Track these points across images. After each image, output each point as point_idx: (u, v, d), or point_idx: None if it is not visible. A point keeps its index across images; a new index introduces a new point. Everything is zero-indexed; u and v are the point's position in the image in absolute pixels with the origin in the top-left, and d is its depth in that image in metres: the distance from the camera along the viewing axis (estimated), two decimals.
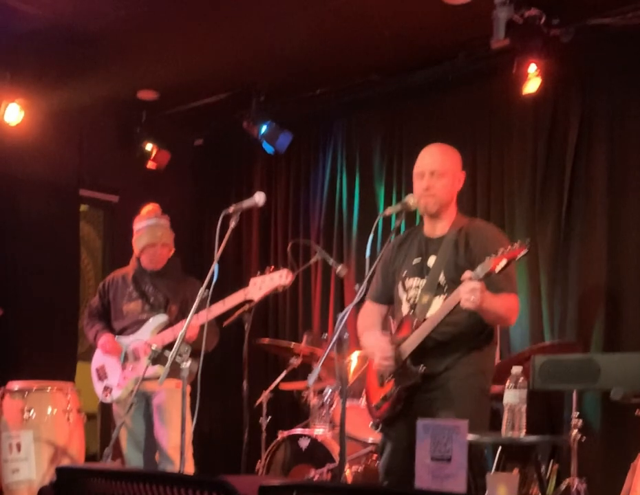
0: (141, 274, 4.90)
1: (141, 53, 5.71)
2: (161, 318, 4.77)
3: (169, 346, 3.59)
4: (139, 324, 4.79)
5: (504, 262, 3.11)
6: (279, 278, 4.30)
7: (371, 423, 3.67)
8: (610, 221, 5.08)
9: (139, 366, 4.70)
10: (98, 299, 5.01)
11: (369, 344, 3.63)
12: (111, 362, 4.81)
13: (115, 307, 4.92)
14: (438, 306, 3.43)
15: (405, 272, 3.63)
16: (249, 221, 6.98)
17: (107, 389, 4.81)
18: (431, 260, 3.56)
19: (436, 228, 3.61)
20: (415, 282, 3.58)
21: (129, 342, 4.77)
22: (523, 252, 3.10)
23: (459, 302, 3.24)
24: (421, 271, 3.57)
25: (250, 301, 4.53)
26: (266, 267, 4.45)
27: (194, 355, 3.51)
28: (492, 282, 3.29)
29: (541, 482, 3.47)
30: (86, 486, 2.13)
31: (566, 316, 5.18)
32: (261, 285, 4.33)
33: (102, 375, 4.86)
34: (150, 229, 4.81)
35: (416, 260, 3.61)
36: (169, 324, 4.70)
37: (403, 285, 3.63)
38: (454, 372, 3.46)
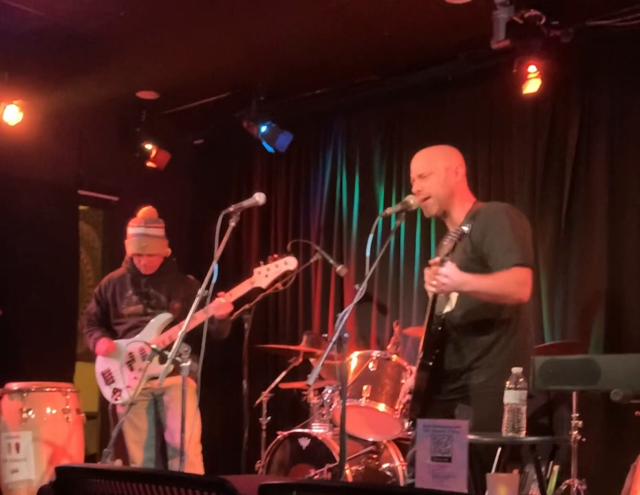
0: (137, 276, 4.85)
1: (141, 53, 5.71)
2: (165, 316, 4.73)
3: None
4: (142, 325, 4.76)
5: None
6: (284, 265, 4.27)
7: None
8: (610, 221, 5.08)
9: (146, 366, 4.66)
10: (96, 304, 4.95)
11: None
12: (115, 365, 4.77)
13: (116, 311, 4.87)
14: (455, 297, 3.41)
15: None
16: (249, 221, 6.97)
17: (117, 392, 4.74)
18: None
19: (452, 221, 3.59)
20: None
21: (134, 343, 4.72)
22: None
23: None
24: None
25: (258, 290, 4.45)
26: (268, 256, 4.36)
27: (194, 354, 3.51)
28: (490, 257, 3.32)
29: (541, 482, 3.46)
30: (85, 486, 2.12)
31: (566, 316, 5.18)
32: (267, 273, 4.28)
33: (108, 378, 4.79)
34: (137, 239, 4.75)
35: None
36: (174, 322, 4.65)
37: None
38: (475, 373, 3.40)
